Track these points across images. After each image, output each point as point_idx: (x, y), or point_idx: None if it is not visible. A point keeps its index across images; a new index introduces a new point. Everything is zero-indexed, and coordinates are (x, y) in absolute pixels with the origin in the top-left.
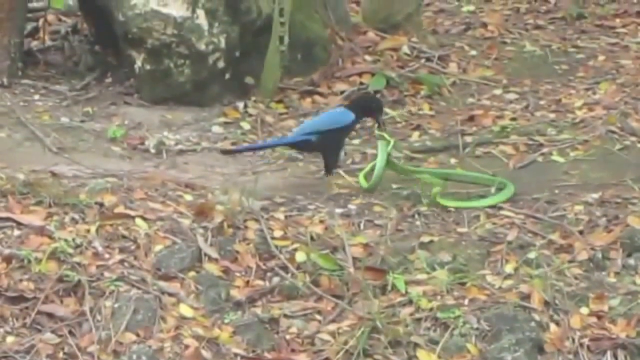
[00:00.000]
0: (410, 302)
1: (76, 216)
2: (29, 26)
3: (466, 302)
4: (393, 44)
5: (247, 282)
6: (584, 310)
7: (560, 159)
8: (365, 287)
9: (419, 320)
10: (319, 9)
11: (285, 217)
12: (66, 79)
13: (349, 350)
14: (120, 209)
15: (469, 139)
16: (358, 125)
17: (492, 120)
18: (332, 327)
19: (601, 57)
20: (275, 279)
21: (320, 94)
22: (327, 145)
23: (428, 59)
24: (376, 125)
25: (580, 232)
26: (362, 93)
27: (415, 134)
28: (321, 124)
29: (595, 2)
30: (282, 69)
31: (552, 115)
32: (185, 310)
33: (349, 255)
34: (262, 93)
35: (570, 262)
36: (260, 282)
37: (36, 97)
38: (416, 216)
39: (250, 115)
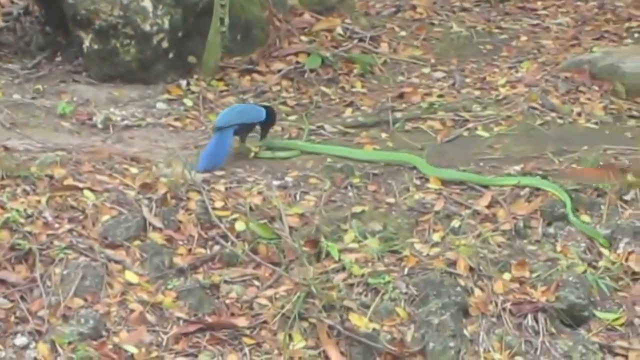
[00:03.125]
0: (343, 268)
1: (27, 188)
2: None
3: (396, 268)
4: (327, 25)
5: (190, 250)
6: (507, 276)
7: (485, 134)
8: (301, 254)
9: (351, 285)
10: None
11: (226, 188)
12: (18, 58)
13: (286, 314)
14: (69, 181)
15: (399, 114)
16: (294, 103)
17: (421, 97)
18: (269, 292)
19: (523, 38)
20: (216, 247)
21: (259, 73)
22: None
23: (360, 40)
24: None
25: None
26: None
27: (349, 110)
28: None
29: None
30: (223, 49)
31: (477, 93)
32: (130, 276)
33: (285, 225)
34: (203, 71)
35: (493, 230)
36: (202, 250)
37: None
38: (349, 188)
39: (193, 93)
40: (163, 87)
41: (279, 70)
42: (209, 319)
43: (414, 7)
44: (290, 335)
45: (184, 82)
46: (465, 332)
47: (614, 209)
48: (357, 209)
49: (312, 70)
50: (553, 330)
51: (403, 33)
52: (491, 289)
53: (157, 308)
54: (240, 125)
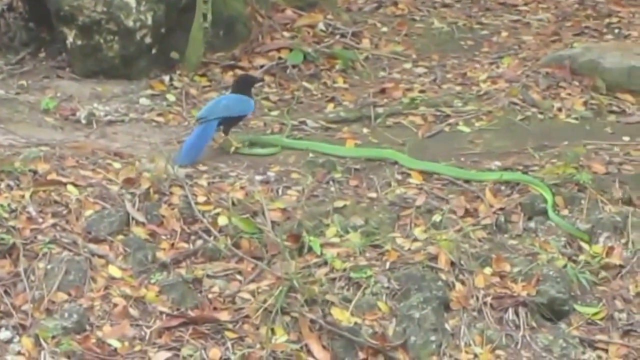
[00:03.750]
0: (325, 263)
1: (11, 183)
2: None
3: (377, 263)
4: (309, 21)
5: (172, 244)
6: (488, 270)
7: (466, 129)
8: (283, 249)
9: (333, 280)
10: None
11: (208, 183)
12: (2, 54)
13: (268, 308)
14: (52, 176)
15: (380, 110)
16: (277, 98)
17: (402, 92)
18: (252, 286)
19: (504, 33)
20: (199, 242)
21: (241, 68)
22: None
23: (342, 35)
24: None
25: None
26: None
27: (330, 106)
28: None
29: None
30: (205, 45)
31: (458, 88)
32: (114, 271)
33: (267, 219)
34: (186, 67)
35: (474, 225)
36: (185, 245)
37: None
38: (331, 182)
39: (176, 88)
40: (146, 83)
41: (262, 66)
42: (192, 313)
43: (395, 3)
44: (272, 329)
45: (167, 78)
46: (446, 326)
47: (594, 203)
48: (339, 203)
49: (294, 66)
50: (534, 324)
51: (384, 29)
52: (472, 283)
53: (140, 302)
54: (226, 119)
